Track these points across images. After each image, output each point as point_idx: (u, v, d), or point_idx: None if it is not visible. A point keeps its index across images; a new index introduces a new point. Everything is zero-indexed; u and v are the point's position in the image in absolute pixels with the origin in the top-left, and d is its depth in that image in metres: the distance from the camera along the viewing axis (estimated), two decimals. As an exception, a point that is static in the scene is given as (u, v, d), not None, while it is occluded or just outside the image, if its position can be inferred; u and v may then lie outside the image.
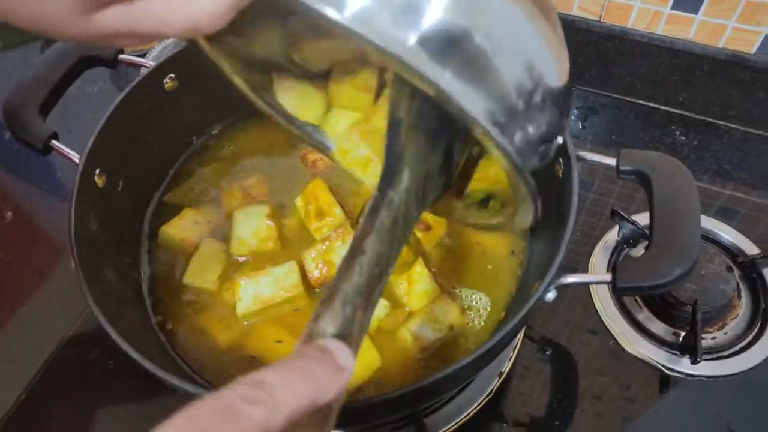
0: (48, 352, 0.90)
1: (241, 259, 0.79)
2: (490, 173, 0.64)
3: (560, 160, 0.71)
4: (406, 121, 0.53)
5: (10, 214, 1.12)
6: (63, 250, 1.06)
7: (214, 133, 0.94)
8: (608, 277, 0.59)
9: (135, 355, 0.57)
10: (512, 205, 0.58)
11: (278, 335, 0.73)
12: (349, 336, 0.40)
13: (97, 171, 0.72)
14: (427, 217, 0.79)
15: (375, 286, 0.45)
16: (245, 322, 0.74)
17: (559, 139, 0.49)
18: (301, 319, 0.74)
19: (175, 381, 0.56)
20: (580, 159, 0.69)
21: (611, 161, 0.68)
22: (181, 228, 0.81)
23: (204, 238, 0.79)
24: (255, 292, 0.73)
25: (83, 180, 0.69)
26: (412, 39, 0.35)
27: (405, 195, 0.53)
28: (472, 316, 0.75)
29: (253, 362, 0.71)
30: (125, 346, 0.57)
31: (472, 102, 0.39)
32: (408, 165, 0.54)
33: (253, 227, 0.79)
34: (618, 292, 0.59)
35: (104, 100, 1.25)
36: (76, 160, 0.70)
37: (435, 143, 0.55)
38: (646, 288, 0.58)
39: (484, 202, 0.65)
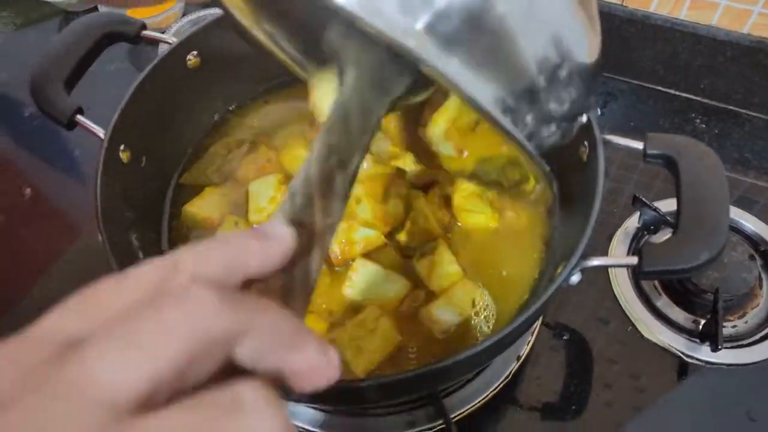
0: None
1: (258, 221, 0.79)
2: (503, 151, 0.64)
3: (585, 143, 0.71)
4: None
5: (28, 190, 1.12)
6: (80, 228, 1.06)
7: (231, 109, 0.94)
8: (634, 261, 0.59)
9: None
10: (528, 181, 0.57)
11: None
12: (303, 220, 0.38)
13: (122, 147, 0.72)
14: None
15: (333, 175, 0.41)
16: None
17: (584, 118, 0.48)
18: (321, 297, 0.74)
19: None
20: (606, 143, 0.68)
21: (638, 145, 0.67)
22: (203, 207, 0.81)
23: (226, 215, 0.80)
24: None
25: (108, 155, 0.69)
26: (419, 24, 0.34)
27: (355, 83, 0.47)
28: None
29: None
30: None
31: (481, 91, 0.38)
32: (352, 50, 0.48)
33: (268, 195, 0.79)
34: (644, 276, 0.58)
35: (122, 79, 1.26)
36: (101, 135, 0.70)
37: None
38: (672, 272, 0.58)
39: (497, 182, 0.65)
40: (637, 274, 0.59)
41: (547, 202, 0.56)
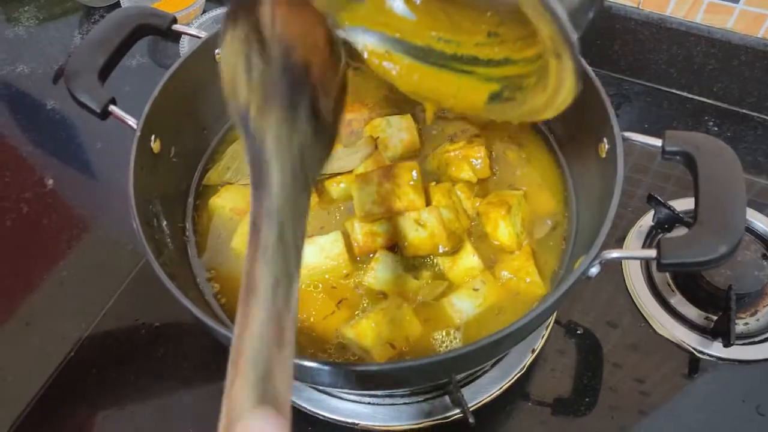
0: (88, 320, 0.94)
1: None
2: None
3: (604, 139, 0.72)
4: (254, 103, 0.49)
5: (51, 182, 1.15)
6: (96, 218, 1.09)
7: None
8: (653, 253, 0.60)
9: (194, 310, 0.59)
10: (541, 85, 0.56)
11: (323, 301, 0.75)
12: (270, 392, 0.38)
13: (153, 136, 0.74)
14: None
15: (284, 318, 0.41)
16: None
17: (591, 13, 0.50)
18: (346, 288, 0.76)
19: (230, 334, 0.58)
20: (625, 139, 0.70)
21: (656, 142, 0.69)
22: (229, 198, 0.83)
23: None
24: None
25: (141, 144, 0.71)
26: None
27: (280, 194, 0.46)
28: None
29: (299, 323, 0.74)
30: (184, 301, 0.60)
31: None
32: (273, 158, 0.48)
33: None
34: (662, 267, 0.60)
35: (144, 74, 1.29)
36: (133, 125, 0.72)
37: (294, 110, 0.50)
38: (690, 264, 0.60)
39: (502, 95, 0.64)
40: (656, 267, 0.60)
41: (568, 98, 0.55)
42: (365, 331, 0.70)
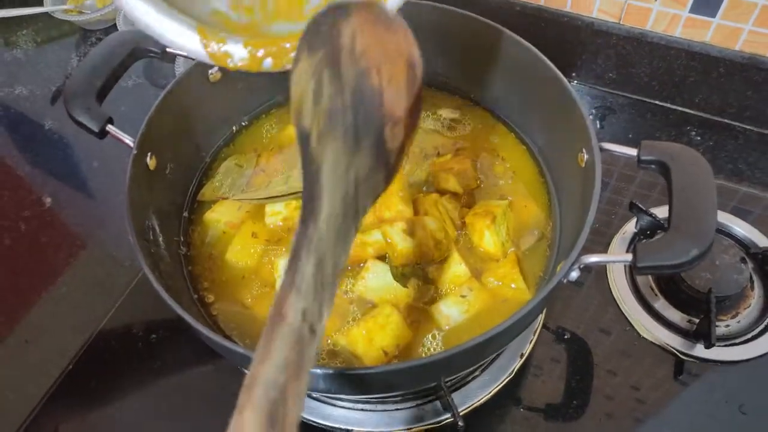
0: (85, 335, 0.96)
1: (279, 224, 0.84)
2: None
3: (583, 149, 0.75)
4: (315, 130, 0.47)
5: (48, 200, 1.17)
6: (94, 235, 1.11)
7: (245, 122, 0.99)
8: (629, 257, 0.63)
9: (191, 321, 0.61)
10: None
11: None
12: (279, 422, 0.39)
13: (149, 154, 0.77)
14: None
15: (307, 351, 0.42)
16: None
17: None
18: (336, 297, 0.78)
19: (225, 343, 0.60)
20: (603, 150, 0.73)
21: (632, 152, 0.72)
22: (223, 213, 0.86)
23: (245, 220, 0.84)
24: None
25: (137, 161, 0.74)
26: None
27: (326, 224, 0.45)
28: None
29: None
30: (181, 312, 0.62)
31: None
32: (325, 187, 0.46)
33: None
34: (638, 271, 0.62)
35: (140, 94, 1.32)
36: (130, 144, 0.75)
37: (358, 143, 0.47)
38: (664, 267, 0.62)
39: None
40: (633, 270, 0.63)
41: None
42: (356, 339, 0.72)
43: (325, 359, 0.74)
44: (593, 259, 0.65)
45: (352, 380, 0.63)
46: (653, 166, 0.70)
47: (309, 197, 0.46)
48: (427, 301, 0.77)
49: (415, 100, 0.50)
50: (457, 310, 0.76)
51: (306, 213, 0.46)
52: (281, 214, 0.84)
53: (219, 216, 0.86)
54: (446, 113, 0.98)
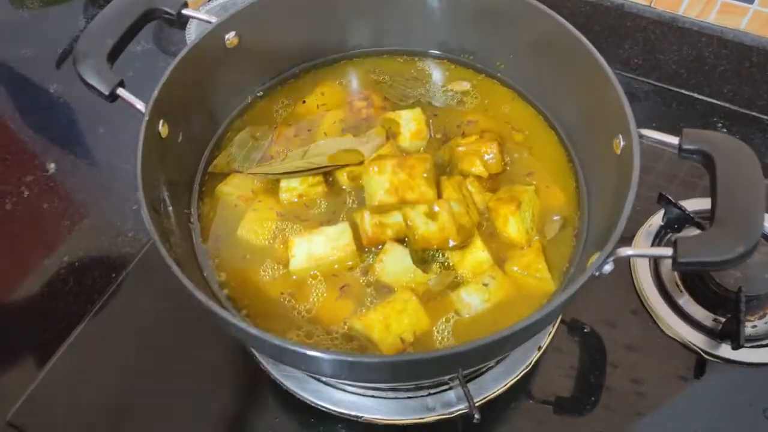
0: (89, 302, 0.93)
1: (294, 200, 0.81)
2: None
3: (620, 136, 0.72)
4: None
5: (53, 166, 1.13)
6: (98, 204, 1.08)
7: (260, 93, 0.95)
8: (669, 252, 0.59)
9: (203, 299, 0.58)
10: None
11: (329, 290, 0.75)
12: None
13: (161, 121, 0.73)
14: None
15: None
16: (294, 277, 0.76)
17: None
18: (352, 279, 0.75)
19: (234, 320, 0.57)
20: (641, 137, 0.69)
21: (673, 140, 0.68)
22: (236, 186, 0.82)
23: (258, 193, 0.81)
24: (308, 249, 0.75)
25: (149, 128, 0.70)
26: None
27: None
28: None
29: (306, 313, 0.74)
30: (192, 290, 0.59)
31: None
32: None
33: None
34: (678, 267, 0.59)
35: (148, 60, 1.28)
36: (142, 109, 0.71)
37: None
38: (707, 264, 0.59)
39: None
40: (671, 265, 0.59)
41: None
42: (372, 324, 0.69)
43: (339, 342, 0.71)
44: (630, 252, 0.61)
45: (369, 368, 0.60)
46: (695, 156, 0.67)
47: None
48: (446, 287, 0.74)
49: None
50: (478, 299, 0.73)
51: None
52: (296, 190, 0.80)
53: (231, 189, 0.82)
54: (458, 87, 0.94)
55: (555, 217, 0.80)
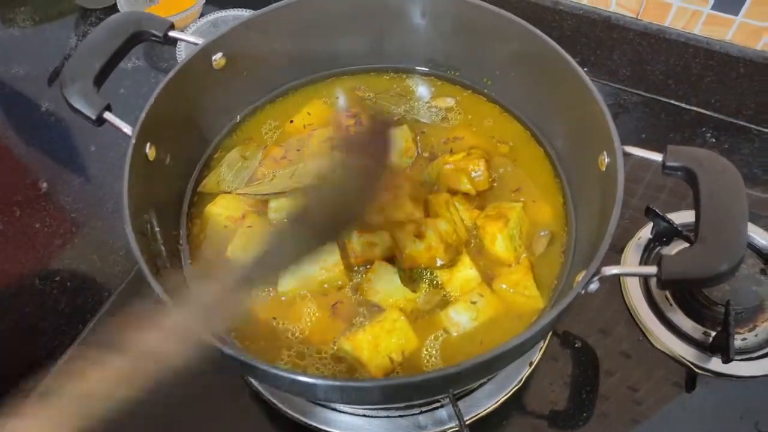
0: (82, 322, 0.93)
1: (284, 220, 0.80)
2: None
3: (604, 152, 0.72)
4: None
5: (44, 185, 1.13)
6: (90, 222, 1.07)
7: (248, 111, 0.95)
8: (653, 270, 0.60)
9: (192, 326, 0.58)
10: None
11: (318, 311, 0.75)
12: None
13: (148, 144, 0.73)
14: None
15: None
16: (283, 298, 0.76)
17: None
18: (341, 298, 0.75)
19: (226, 349, 0.57)
20: (626, 154, 0.70)
21: (657, 157, 0.68)
22: (225, 206, 0.82)
23: (247, 213, 0.81)
24: (296, 270, 0.74)
25: (136, 152, 0.70)
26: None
27: None
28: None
29: (299, 333, 0.74)
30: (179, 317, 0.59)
31: None
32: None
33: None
34: (663, 285, 0.59)
35: (139, 77, 1.28)
36: (129, 133, 0.71)
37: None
38: (691, 281, 0.59)
39: None
40: (656, 284, 0.59)
41: None
42: (361, 344, 0.69)
43: (329, 364, 0.71)
44: (615, 271, 0.61)
45: (357, 392, 0.60)
46: (679, 173, 0.67)
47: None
48: (435, 306, 0.74)
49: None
50: (466, 317, 0.73)
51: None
52: (286, 209, 0.80)
53: (220, 210, 0.82)
54: (442, 103, 0.95)
55: (542, 233, 0.81)
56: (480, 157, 0.83)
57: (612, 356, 0.87)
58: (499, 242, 0.76)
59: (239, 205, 0.82)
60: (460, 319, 0.73)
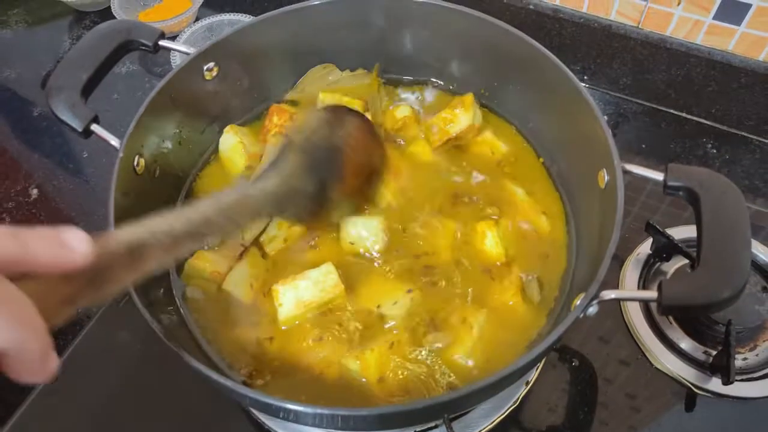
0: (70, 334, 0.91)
1: (280, 246, 0.79)
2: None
3: (604, 169, 0.70)
4: (298, 142, 0.67)
5: (35, 191, 1.12)
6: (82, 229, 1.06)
7: (241, 123, 0.93)
8: (654, 295, 0.58)
9: (187, 358, 0.56)
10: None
11: (318, 334, 0.73)
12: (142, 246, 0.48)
13: (136, 157, 0.72)
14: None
15: (185, 242, 0.52)
16: (284, 327, 0.73)
17: None
18: (343, 319, 0.74)
19: (214, 376, 0.56)
20: (625, 171, 0.68)
21: (658, 176, 0.67)
22: (209, 259, 0.77)
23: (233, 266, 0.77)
24: (295, 296, 0.72)
25: (123, 165, 0.69)
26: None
27: (262, 193, 0.62)
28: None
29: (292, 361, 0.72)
30: (168, 342, 0.57)
31: None
32: (280, 173, 0.64)
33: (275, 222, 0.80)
34: (664, 310, 0.58)
35: (132, 82, 1.26)
36: (116, 145, 0.70)
37: (312, 172, 0.66)
38: (692, 308, 0.57)
39: None
40: (657, 310, 0.58)
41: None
42: (369, 367, 0.68)
43: (328, 384, 0.69)
44: (614, 295, 0.60)
45: (353, 420, 0.58)
46: (681, 193, 0.65)
47: (275, 161, 0.67)
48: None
49: (364, 179, 0.74)
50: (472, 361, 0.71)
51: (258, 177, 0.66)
52: (279, 236, 0.78)
53: (204, 264, 0.77)
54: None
55: (545, 252, 0.79)
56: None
57: (610, 376, 0.85)
58: (489, 239, 0.76)
59: (224, 257, 0.78)
60: (461, 360, 0.71)
